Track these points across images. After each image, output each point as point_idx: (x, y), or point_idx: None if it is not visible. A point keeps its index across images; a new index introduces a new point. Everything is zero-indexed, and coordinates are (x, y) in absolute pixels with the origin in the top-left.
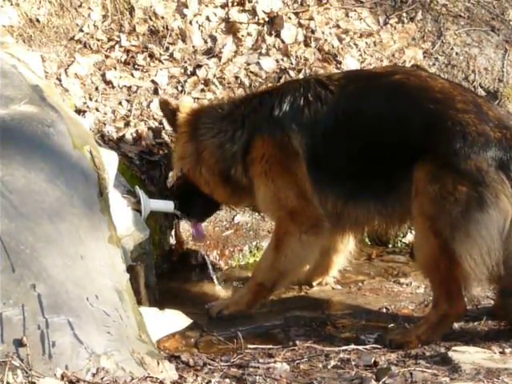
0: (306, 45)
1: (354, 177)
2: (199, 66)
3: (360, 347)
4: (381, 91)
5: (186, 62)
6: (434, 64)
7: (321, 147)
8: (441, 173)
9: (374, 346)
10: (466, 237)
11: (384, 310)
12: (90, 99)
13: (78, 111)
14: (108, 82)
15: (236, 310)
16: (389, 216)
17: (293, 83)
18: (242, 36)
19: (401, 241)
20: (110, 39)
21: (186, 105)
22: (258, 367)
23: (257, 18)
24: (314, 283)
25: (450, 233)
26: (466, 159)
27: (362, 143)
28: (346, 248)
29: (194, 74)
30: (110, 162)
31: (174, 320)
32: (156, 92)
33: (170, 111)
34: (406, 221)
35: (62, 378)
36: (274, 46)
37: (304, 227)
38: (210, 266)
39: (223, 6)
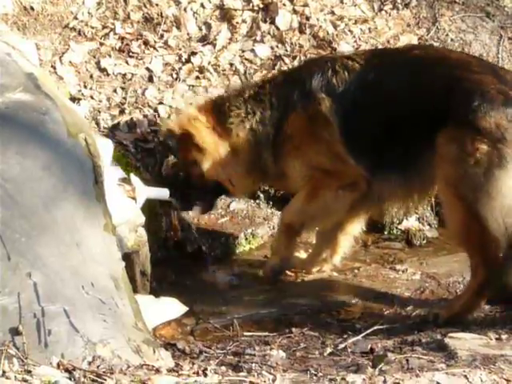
0: (301, 31)
1: (378, 150)
2: (194, 54)
3: (356, 334)
4: (402, 64)
5: (180, 50)
6: None
7: (350, 115)
8: (459, 133)
9: (369, 332)
10: (487, 197)
11: (380, 297)
12: (85, 87)
13: (73, 99)
14: (103, 70)
15: (281, 256)
16: (408, 190)
17: (317, 59)
18: (237, 23)
19: (396, 227)
20: (104, 27)
21: (195, 116)
22: (254, 355)
23: (251, 4)
24: (315, 270)
25: (473, 195)
26: (485, 116)
27: (386, 115)
28: (353, 232)
29: (188, 61)
30: (104, 149)
31: (170, 308)
32: (151, 79)
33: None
34: (425, 197)
35: (58, 366)
36: (269, 33)
37: (343, 183)
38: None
39: None
